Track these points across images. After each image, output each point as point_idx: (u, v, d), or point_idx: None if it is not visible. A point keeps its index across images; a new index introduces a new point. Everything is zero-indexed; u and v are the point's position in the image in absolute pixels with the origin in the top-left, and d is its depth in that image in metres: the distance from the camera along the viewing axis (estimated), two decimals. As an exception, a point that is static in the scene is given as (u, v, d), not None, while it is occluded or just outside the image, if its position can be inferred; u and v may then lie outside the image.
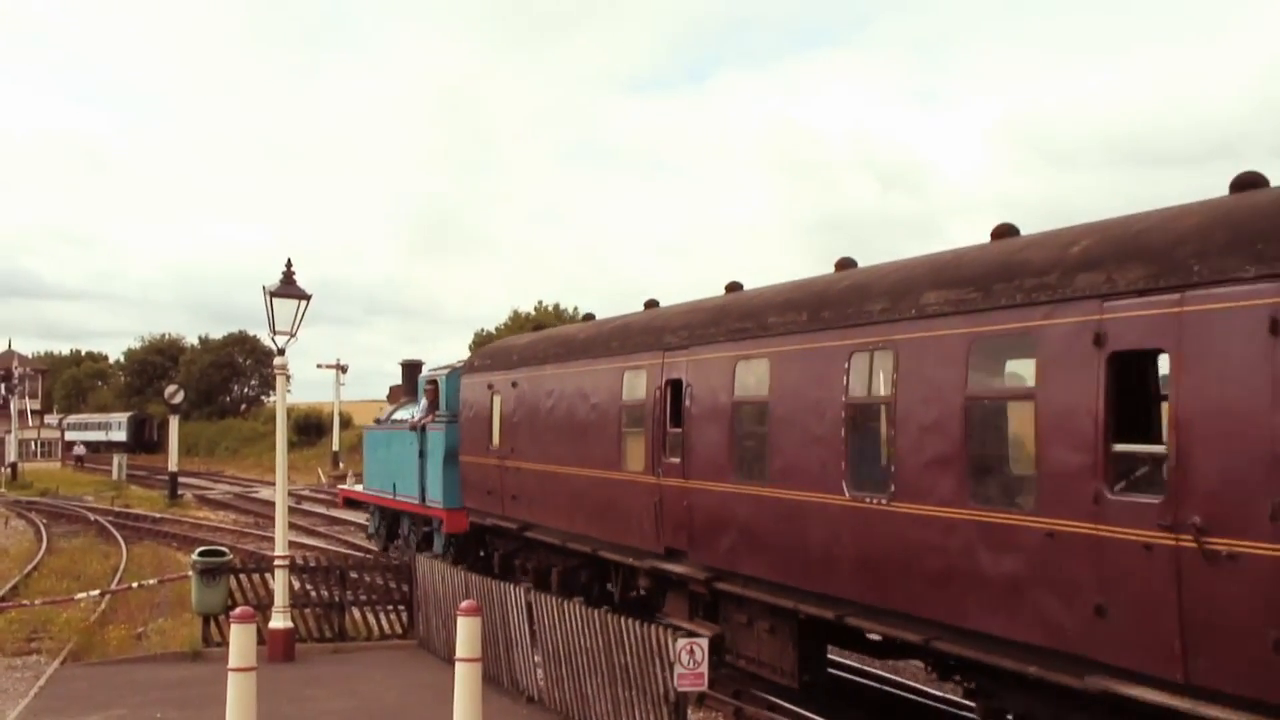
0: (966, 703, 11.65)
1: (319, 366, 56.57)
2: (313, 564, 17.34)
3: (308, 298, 15.48)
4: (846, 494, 11.01)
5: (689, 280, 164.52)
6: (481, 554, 22.09)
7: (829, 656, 13.53)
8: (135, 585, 20.14)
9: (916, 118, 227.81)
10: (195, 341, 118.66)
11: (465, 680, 9.65)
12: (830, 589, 11.30)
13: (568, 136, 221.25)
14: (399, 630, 16.57)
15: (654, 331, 15.60)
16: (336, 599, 16.44)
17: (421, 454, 23.28)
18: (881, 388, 10.83)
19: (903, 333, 10.48)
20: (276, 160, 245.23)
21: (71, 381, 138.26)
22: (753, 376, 12.91)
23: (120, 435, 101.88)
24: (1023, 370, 9.40)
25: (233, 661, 9.58)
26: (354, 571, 17.10)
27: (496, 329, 63.56)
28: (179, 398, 50.56)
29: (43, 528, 35.12)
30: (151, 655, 15.75)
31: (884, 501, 10.51)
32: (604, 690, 11.38)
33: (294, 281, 15.45)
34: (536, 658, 12.93)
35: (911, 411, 10.25)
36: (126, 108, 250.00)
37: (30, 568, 25.39)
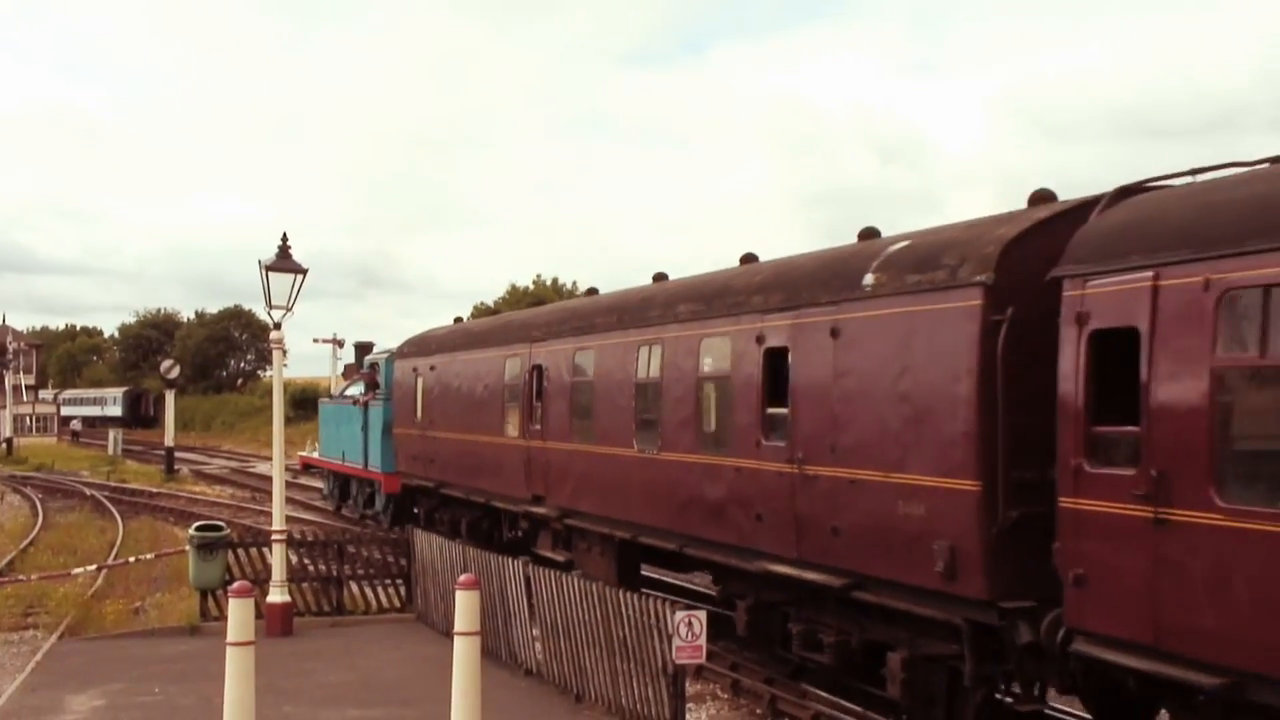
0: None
1: (315, 341, 56.39)
2: (310, 538, 17.33)
3: (304, 272, 15.39)
4: (635, 448, 15.56)
5: (688, 253, 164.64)
6: (415, 511, 25.98)
7: (644, 573, 17.89)
8: (132, 560, 20.14)
9: (916, 91, 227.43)
10: (191, 316, 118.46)
11: (464, 653, 9.63)
12: (631, 517, 15.77)
13: (565, 110, 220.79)
14: (397, 604, 16.58)
15: (526, 327, 20.13)
16: (334, 573, 16.44)
17: (364, 427, 27.42)
18: (655, 372, 15.22)
19: (668, 332, 15.02)
20: (273, 134, 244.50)
21: (66, 357, 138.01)
22: (585, 362, 17.35)
23: (116, 410, 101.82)
24: (724, 359, 13.75)
25: (231, 636, 9.56)
26: (352, 546, 17.10)
27: (495, 303, 63.45)
28: (175, 372, 50.46)
29: (38, 503, 35.11)
30: (149, 630, 15.76)
31: (655, 452, 15.10)
32: (602, 663, 11.39)
33: (290, 255, 15.36)
34: (535, 631, 12.94)
35: (670, 389, 14.80)
36: (120, 80, 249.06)
37: (26, 543, 25.39)
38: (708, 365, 14.15)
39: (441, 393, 23.52)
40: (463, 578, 10.44)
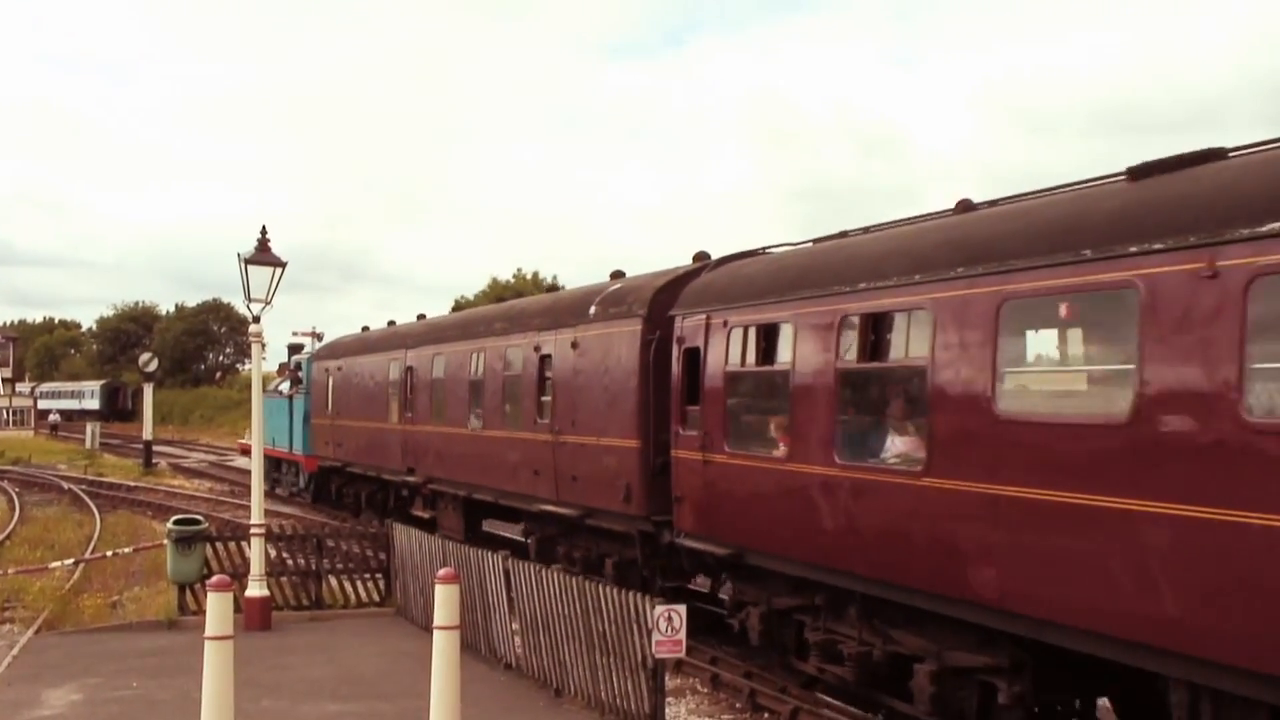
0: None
1: (295, 334, 56.20)
2: (289, 532, 17.29)
3: (283, 265, 15.32)
4: (468, 428, 21.12)
5: (668, 247, 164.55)
6: (333, 488, 31.17)
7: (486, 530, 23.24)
8: (110, 554, 20.06)
9: (897, 85, 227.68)
10: (170, 309, 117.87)
11: (443, 648, 9.63)
12: (469, 479, 21.19)
13: (546, 103, 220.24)
14: (376, 598, 16.55)
15: (403, 337, 26.05)
16: (313, 567, 16.40)
17: (290, 417, 33.22)
18: (480, 371, 20.85)
19: (489, 343, 20.62)
20: (253, 127, 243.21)
21: (44, 349, 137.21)
22: (440, 365, 22.95)
23: (94, 404, 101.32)
24: (518, 362, 19.18)
25: (210, 630, 9.52)
26: (331, 540, 17.06)
27: (475, 296, 63.33)
28: (153, 365, 50.23)
29: (15, 496, 34.87)
30: (127, 624, 15.69)
31: (480, 430, 20.57)
32: (581, 657, 11.41)
33: (269, 249, 15.28)
34: (514, 625, 12.95)
35: (488, 383, 20.51)
36: (101, 72, 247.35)
37: (3, 536, 25.22)
38: (509, 367, 19.56)
39: (345, 388, 29.18)
40: (442, 572, 10.44)
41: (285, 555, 16.64)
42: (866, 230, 12.48)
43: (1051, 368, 9.98)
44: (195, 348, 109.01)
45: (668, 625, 9.92)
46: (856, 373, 11.24)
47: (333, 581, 16.67)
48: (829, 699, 12.06)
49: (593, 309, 16.82)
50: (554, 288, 27.65)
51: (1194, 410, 7.47)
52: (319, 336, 50.82)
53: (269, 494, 32.83)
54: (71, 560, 19.89)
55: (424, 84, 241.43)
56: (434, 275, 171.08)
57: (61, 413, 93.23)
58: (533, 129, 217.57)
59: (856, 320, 11.02)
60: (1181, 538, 7.49)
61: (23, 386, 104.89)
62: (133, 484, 39.20)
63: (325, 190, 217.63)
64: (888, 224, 12.23)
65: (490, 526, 23.34)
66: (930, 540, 9.87)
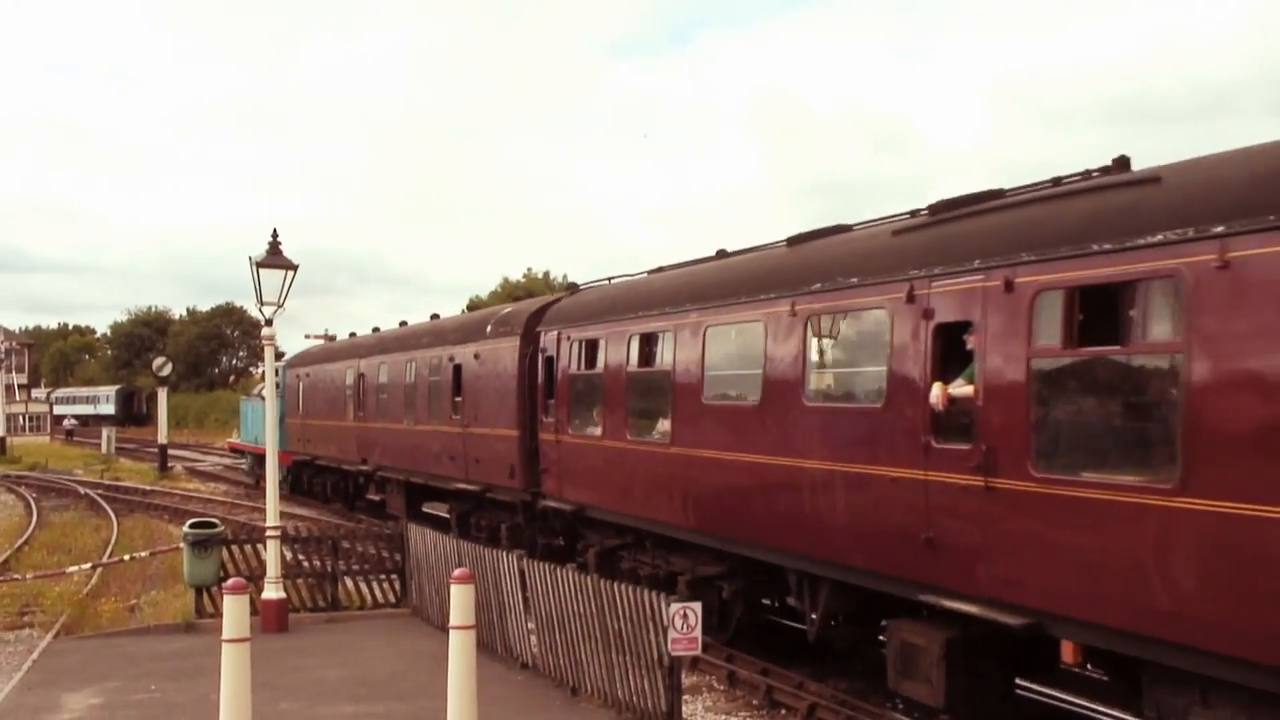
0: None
1: (307, 337, 56.39)
2: (305, 534, 17.33)
3: (295, 268, 15.35)
4: (404, 423, 25.75)
5: (678, 244, 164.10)
6: (302, 477, 35.95)
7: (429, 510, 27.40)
8: (127, 558, 20.13)
9: (906, 78, 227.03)
10: (183, 314, 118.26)
11: (459, 648, 9.64)
12: (406, 466, 25.89)
13: (554, 101, 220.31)
14: (392, 599, 16.58)
15: (357, 348, 30.92)
16: (329, 569, 16.44)
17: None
18: (413, 376, 25.26)
19: (419, 353, 25.11)
20: (263, 130, 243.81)
21: (58, 355, 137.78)
22: (384, 371, 27.55)
23: (109, 408, 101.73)
24: (439, 369, 23.54)
25: (227, 632, 9.55)
26: (346, 541, 17.11)
27: (488, 296, 63.45)
28: (167, 370, 50.40)
29: (32, 502, 35.07)
30: (144, 627, 15.75)
31: (413, 424, 25.15)
32: (597, 655, 11.41)
33: (281, 252, 15.31)
34: (530, 624, 12.95)
35: (419, 386, 24.94)
36: (112, 78, 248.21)
37: (21, 542, 25.36)
38: (433, 373, 23.89)
39: (312, 392, 33.91)
40: (457, 572, 10.45)
41: (301, 557, 16.69)
42: (660, 269, 17.10)
43: (732, 370, 13.58)
44: (209, 351, 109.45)
45: (683, 623, 9.92)
46: (639, 375, 15.64)
47: (348, 583, 16.71)
48: (844, 695, 12.05)
49: (489, 328, 21.39)
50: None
51: (785, 395, 12.12)
52: (331, 339, 51.82)
53: (254, 488, 39.32)
54: (89, 565, 19.98)
55: (433, 85, 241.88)
56: (446, 276, 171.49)
57: (77, 418, 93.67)
58: (542, 128, 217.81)
59: (638, 338, 15.59)
60: (790, 477, 11.96)
61: (38, 392, 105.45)
62: (148, 488, 39.37)
63: (336, 192, 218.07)
64: (670, 266, 16.82)
65: (429, 508, 27.20)
66: (679, 491, 14.28)
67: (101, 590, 18.95)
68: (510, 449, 19.82)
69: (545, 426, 18.49)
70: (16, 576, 19.38)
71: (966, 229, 10.20)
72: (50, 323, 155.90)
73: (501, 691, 11.78)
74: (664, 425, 14.66)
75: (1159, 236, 7.94)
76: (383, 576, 16.71)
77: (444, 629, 11.01)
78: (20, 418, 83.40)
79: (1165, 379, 7.97)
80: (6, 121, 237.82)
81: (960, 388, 9.71)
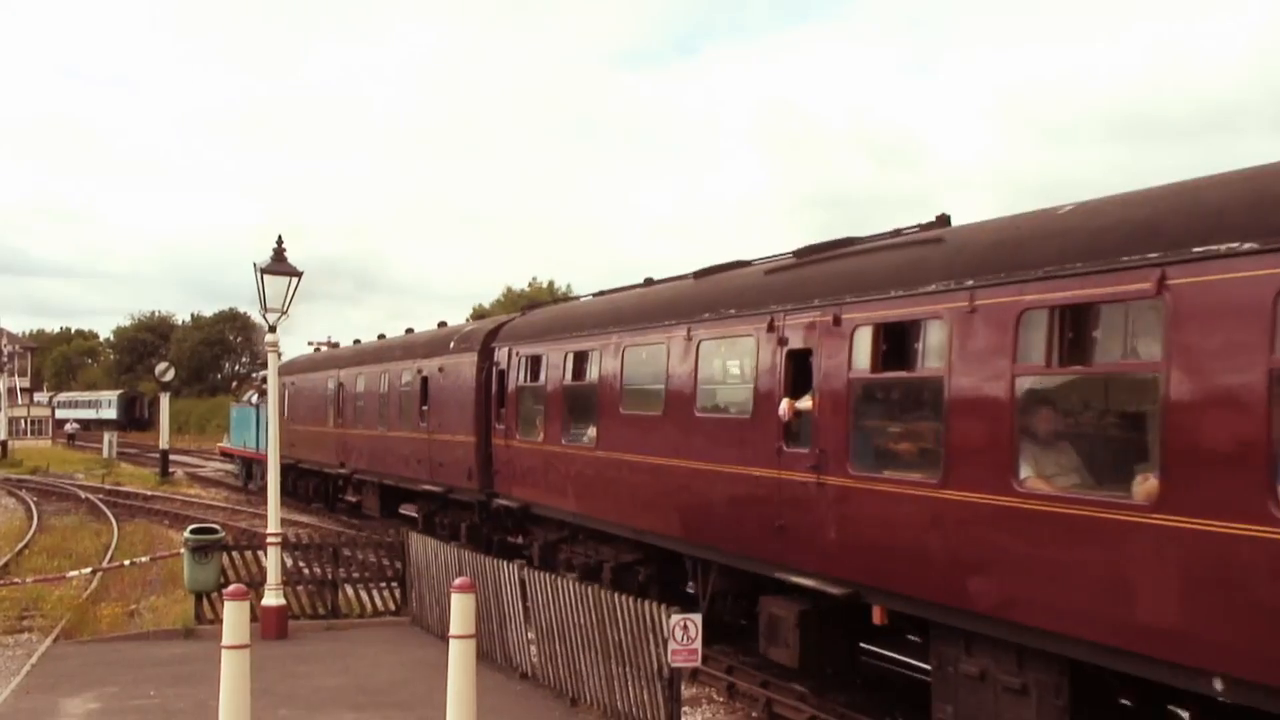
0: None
1: (310, 344, 56.47)
2: (305, 541, 17.33)
3: (299, 275, 15.38)
4: (377, 430, 27.82)
5: (682, 254, 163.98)
6: (289, 482, 35.55)
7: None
8: (127, 563, 20.12)
9: (912, 92, 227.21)
10: (186, 319, 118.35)
11: (459, 657, 9.64)
12: (378, 469, 27.99)
13: (559, 111, 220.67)
14: (392, 607, 16.57)
15: (336, 360, 33.24)
16: (329, 576, 16.43)
17: (256, 423, 38.99)
18: (386, 387, 27.48)
19: (391, 366, 27.29)
20: (268, 136, 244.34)
21: (61, 359, 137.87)
22: (361, 382, 29.53)
23: (111, 413, 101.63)
24: (409, 380, 25.59)
25: (226, 639, 9.55)
26: (347, 549, 17.10)
27: (491, 305, 63.51)
28: (169, 375, 50.43)
29: (33, 506, 35.04)
30: (144, 633, 15.73)
31: (385, 432, 27.20)
32: (597, 666, 11.39)
33: (285, 258, 15.35)
34: (530, 634, 12.94)
35: (389, 395, 27.10)
36: (116, 82, 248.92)
37: (21, 546, 25.35)
38: (404, 384, 26.03)
39: (297, 399, 35.39)
40: (458, 581, 10.45)
41: (301, 564, 16.67)
42: (600, 293, 19.38)
43: (643, 385, 15.44)
44: (212, 357, 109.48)
45: (683, 634, 9.91)
46: (572, 387, 17.74)
47: (349, 590, 16.69)
48: (844, 709, 12.02)
49: (452, 344, 23.37)
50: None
51: (682, 407, 14.21)
52: (335, 345, 52.21)
53: (243, 489, 42.03)
54: (89, 569, 19.95)
55: (440, 94, 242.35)
56: (450, 284, 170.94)
57: (79, 422, 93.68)
58: (546, 137, 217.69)
59: (572, 355, 17.71)
60: (685, 477, 14.02)
61: (40, 396, 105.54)
62: (150, 493, 39.36)
63: (340, 200, 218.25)
64: (609, 291, 18.92)
65: (404, 509, 28.86)
66: (604, 490, 16.28)
67: (101, 595, 18.93)
68: (468, 453, 21.70)
69: (497, 433, 20.66)
70: (16, 580, 19.36)
71: (814, 272, 12.28)
72: (53, 326, 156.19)
73: (501, 701, 11.76)
74: (591, 431, 16.79)
75: (932, 286, 10.00)
76: (383, 584, 16.70)
77: (444, 638, 11.00)
78: (22, 421, 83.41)
79: (937, 397, 9.84)
80: (12, 125, 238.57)
81: (803, 402, 11.74)
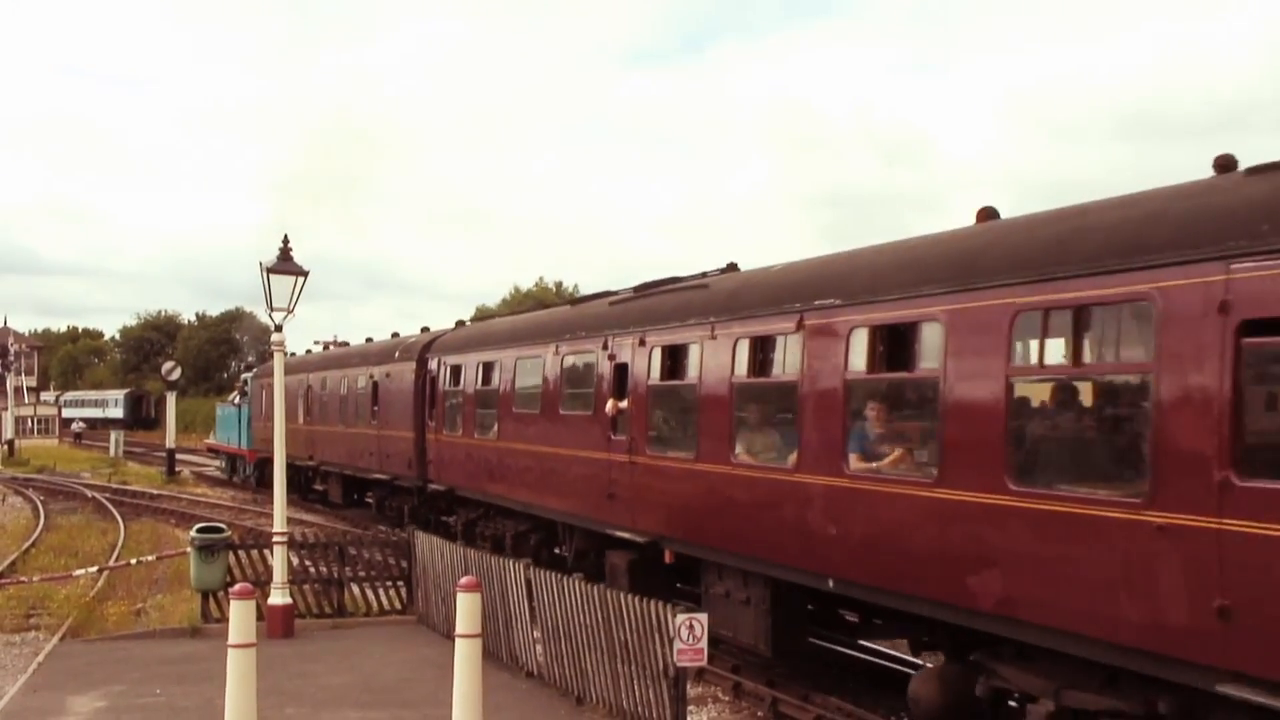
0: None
1: (316, 343, 56.65)
2: (312, 540, 17.34)
3: (305, 274, 15.39)
4: (340, 427, 31.36)
5: (689, 254, 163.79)
6: (267, 474, 37.67)
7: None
8: (134, 562, 20.16)
9: (920, 91, 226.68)
10: (192, 318, 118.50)
11: (465, 656, 9.65)
12: (342, 461, 31.57)
13: (566, 110, 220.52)
14: (398, 606, 16.57)
15: (307, 365, 36.33)
16: (335, 575, 16.44)
17: (239, 421, 43.26)
18: (347, 389, 31.02)
19: (350, 371, 31.24)
20: (275, 135, 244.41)
21: (68, 358, 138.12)
22: (328, 383, 32.89)
23: (117, 412, 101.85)
24: (365, 384, 29.46)
25: (232, 638, 9.58)
26: (353, 548, 17.12)
27: (498, 304, 63.53)
28: (176, 374, 50.51)
29: (40, 504, 35.14)
30: (150, 631, 15.75)
31: (347, 428, 30.72)
32: (603, 666, 11.40)
33: (291, 257, 15.37)
34: (536, 633, 12.95)
35: (349, 396, 30.73)
36: (123, 81, 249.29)
37: (28, 544, 25.41)
38: (359, 387, 29.60)
39: (271, 400, 36.24)
40: (464, 580, 10.46)
41: (308, 563, 16.68)
42: (514, 312, 23.18)
43: (528, 389, 19.30)
44: (218, 356, 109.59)
45: (689, 634, 9.91)
46: (481, 390, 21.58)
47: (355, 589, 16.70)
48: (850, 707, 12.02)
49: (396, 354, 27.18)
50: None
51: (552, 405, 18.26)
52: (344, 345, 52.45)
53: (228, 482, 45.61)
54: (96, 568, 20.00)
55: (446, 92, 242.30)
56: (456, 283, 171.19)
57: (86, 421, 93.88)
58: (553, 136, 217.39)
59: (482, 365, 21.58)
60: (554, 460, 18.11)
61: (47, 395, 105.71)
62: (156, 492, 39.44)
63: (346, 198, 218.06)
64: (521, 310, 22.93)
65: (368, 498, 32.22)
66: (503, 474, 20.32)
67: (108, 594, 18.97)
68: (408, 446, 25.52)
69: (430, 429, 24.55)
70: (23, 579, 19.40)
71: (633, 306, 16.34)
72: (60, 326, 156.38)
73: (506, 700, 11.77)
74: (495, 427, 20.66)
75: (693, 320, 14.10)
76: (389, 583, 16.71)
77: (450, 637, 11.02)
78: (29, 420, 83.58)
79: (693, 397, 13.92)
80: (19, 124, 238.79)
81: (623, 402, 15.59)
